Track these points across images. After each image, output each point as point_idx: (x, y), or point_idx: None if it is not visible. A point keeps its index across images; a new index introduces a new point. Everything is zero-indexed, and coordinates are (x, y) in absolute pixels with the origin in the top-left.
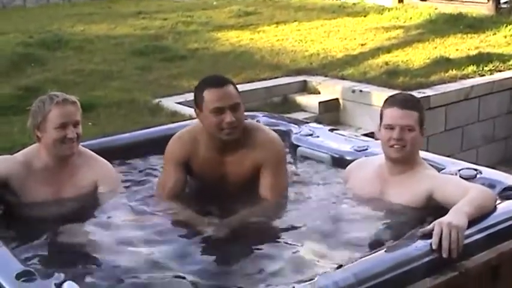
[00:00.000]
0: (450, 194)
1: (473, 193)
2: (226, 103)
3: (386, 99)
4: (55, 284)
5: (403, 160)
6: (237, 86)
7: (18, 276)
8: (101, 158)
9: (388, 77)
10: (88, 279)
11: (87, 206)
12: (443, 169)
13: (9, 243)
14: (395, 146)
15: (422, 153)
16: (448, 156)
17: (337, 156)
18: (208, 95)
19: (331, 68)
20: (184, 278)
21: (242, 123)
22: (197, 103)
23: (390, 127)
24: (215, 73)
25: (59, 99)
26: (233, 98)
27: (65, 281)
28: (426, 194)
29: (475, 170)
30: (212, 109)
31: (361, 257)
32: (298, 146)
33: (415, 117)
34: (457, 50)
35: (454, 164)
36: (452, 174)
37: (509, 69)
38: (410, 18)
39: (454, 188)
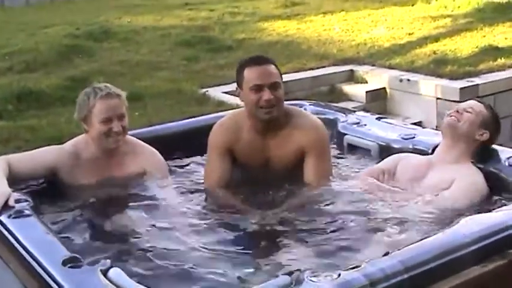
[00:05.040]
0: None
1: None
2: (265, 81)
3: None
4: (101, 270)
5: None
6: (284, 75)
7: (65, 262)
8: (148, 146)
9: (436, 65)
10: (134, 266)
11: (134, 194)
12: None
13: (57, 229)
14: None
15: None
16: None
17: (384, 144)
18: (248, 73)
19: (378, 57)
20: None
21: (281, 102)
22: (238, 82)
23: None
24: None
25: (103, 93)
26: (272, 77)
27: (111, 267)
28: None
29: None
30: (251, 86)
31: (408, 244)
32: (345, 134)
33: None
34: (506, 38)
35: (502, 152)
36: (501, 161)
37: None
38: (459, 7)
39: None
